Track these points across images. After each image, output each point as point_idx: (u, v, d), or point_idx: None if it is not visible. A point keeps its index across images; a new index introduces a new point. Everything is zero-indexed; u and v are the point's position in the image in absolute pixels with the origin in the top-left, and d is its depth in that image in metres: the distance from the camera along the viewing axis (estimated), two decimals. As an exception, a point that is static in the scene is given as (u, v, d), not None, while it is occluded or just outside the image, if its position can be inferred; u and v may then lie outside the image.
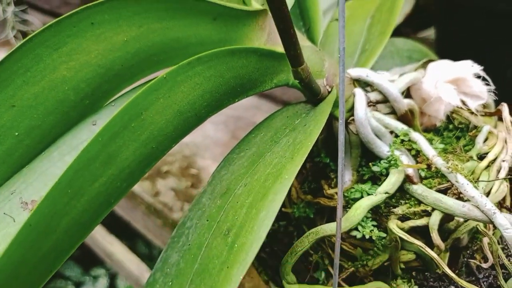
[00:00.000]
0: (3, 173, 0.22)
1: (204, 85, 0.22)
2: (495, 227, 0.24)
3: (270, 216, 0.19)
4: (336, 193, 0.29)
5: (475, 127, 0.32)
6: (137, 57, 0.22)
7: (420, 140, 0.26)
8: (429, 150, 0.26)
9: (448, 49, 0.65)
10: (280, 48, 0.26)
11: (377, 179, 0.28)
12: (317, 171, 0.31)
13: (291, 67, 0.22)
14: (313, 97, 0.26)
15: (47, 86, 0.21)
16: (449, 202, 0.24)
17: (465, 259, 0.28)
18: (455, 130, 0.33)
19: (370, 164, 0.27)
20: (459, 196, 0.26)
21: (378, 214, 0.27)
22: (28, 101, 0.21)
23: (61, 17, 0.20)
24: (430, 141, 0.31)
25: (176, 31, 0.23)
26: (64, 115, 0.22)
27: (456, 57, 0.64)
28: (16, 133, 0.21)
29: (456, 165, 0.25)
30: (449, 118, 0.33)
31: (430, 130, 0.33)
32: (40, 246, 0.17)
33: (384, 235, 0.25)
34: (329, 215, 0.30)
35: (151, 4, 0.21)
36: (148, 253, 1.02)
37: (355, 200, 0.27)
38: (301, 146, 0.22)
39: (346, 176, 0.29)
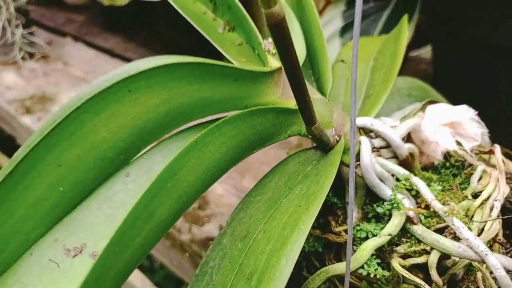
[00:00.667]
0: (48, 223, 0.24)
1: (228, 143, 0.25)
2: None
3: (290, 265, 0.22)
4: (344, 230, 0.31)
5: (470, 165, 0.35)
6: (166, 116, 0.25)
7: (420, 184, 0.29)
8: (428, 195, 0.28)
9: (445, 77, 0.68)
10: (292, 102, 0.29)
11: (380, 218, 0.31)
12: (325, 208, 0.34)
13: (305, 126, 0.25)
14: (323, 146, 0.28)
15: (88, 147, 0.23)
16: (446, 243, 0.27)
17: (462, 291, 0.31)
18: (452, 168, 0.35)
19: (374, 205, 0.30)
20: (455, 235, 0.29)
21: (382, 251, 0.29)
22: (72, 161, 0.23)
23: (103, 88, 0.22)
24: (429, 180, 0.33)
25: (201, 92, 0.25)
26: (102, 169, 0.25)
27: (452, 86, 0.67)
28: (61, 189, 0.24)
29: (453, 208, 0.28)
30: (446, 157, 0.36)
31: (429, 168, 0.36)
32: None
33: (387, 273, 0.28)
34: (336, 249, 0.33)
35: (181, 71, 0.24)
36: (149, 266, 1.05)
37: (361, 239, 0.29)
38: (314, 197, 0.24)
39: (350, 209, 0.32)
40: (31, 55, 1.12)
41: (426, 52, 1.06)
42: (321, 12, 0.64)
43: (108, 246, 0.19)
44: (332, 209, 0.33)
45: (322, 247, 0.33)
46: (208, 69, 0.25)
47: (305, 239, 0.22)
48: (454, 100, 0.65)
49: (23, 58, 1.07)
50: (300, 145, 0.80)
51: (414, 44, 0.94)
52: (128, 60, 1.14)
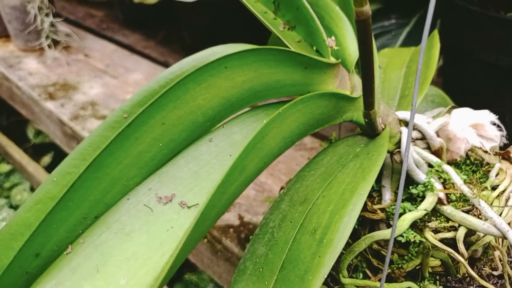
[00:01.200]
0: (145, 174, 0.28)
1: (301, 119, 0.29)
2: (503, 243, 0.31)
3: (352, 221, 0.26)
4: (379, 209, 0.36)
5: (488, 163, 0.40)
6: (248, 93, 0.30)
7: (450, 171, 0.33)
8: (457, 180, 0.33)
9: (453, 90, 0.73)
10: (347, 92, 0.34)
11: (412, 200, 0.35)
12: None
13: (364, 110, 0.30)
14: (372, 132, 0.33)
15: (187, 111, 0.28)
16: (473, 220, 0.32)
17: (479, 269, 0.36)
18: (472, 165, 0.40)
19: (410, 187, 0.35)
20: (478, 217, 0.33)
21: (415, 227, 0.34)
22: (173, 121, 0.28)
23: (206, 62, 0.27)
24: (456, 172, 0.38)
25: (278, 75, 0.30)
26: (192, 132, 0.29)
27: (459, 99, 0.72)
28: (160, 144, 0.28)
29: (478, 193, 0.33)
30: (467, 155, 0.41)
31: (452, 164, 0.41)
32: (202, 229, 0.24)
33: (424, 239, 0.32)
34: (371, 226, 0.37)
35: (266, 55, 0.29)
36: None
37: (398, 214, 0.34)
38: (369, 170, 0.29)
39: (386, 195, 0.37)
40: (56, 44, 1.16)
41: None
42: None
43: (216, 189, 0.23)
44: (369, 192, 0.38)
45: (357, 224, 0.37)
46: (287, 55, 0.29)
47: (364, 201, 0.27)
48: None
49: (48, 46, 1.10)
50: (315, 148, 0.84)
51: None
52: (147, 57, 1.19)
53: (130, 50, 1.23)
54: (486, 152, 0.40)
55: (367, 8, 0.23)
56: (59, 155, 1.48)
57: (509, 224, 0.37)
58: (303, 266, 0.26)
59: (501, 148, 0.41)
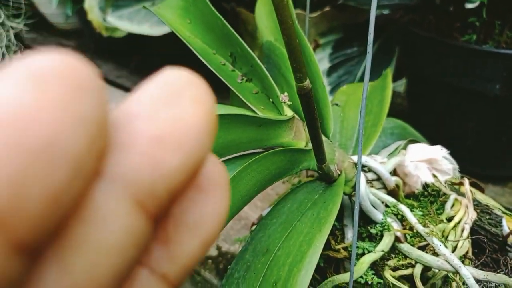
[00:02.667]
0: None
1: (257, 177, 0.31)
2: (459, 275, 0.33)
3: (309, 274, 0.28)
4: (342, 247, 0.38)
5: (444, 194, 0.42)
6: (206, 154, 0.31)
7: (405, 211, 0.35)
8: (412, 219, 0.35)
9: (417, 112, 0.76)
10: (303, 143, 0.35)
11: (373, 238, 0.37)
12: (325, 229, 0.40)
13: (316, 164, 0.31)
14: (329, 179, 0.35)
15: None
16: (428, 258, 0.33)
17: (439, 299, 0.37)
18: (430, 196, 0.43)
19: (368, 227, 0.36)
20: (434, 252, 0.35)
21: (376, 265, 0.36)
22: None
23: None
24: (412, 207, 0.40)
25: (233, 135, 0.31)
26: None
27: (424, 121, 0.75)
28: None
29: (432, 230, 0.35)
30: (425, 187, 0.43)
31: (411, 196, 0.43)
32: None
33: (381, 281, 0.34)
34: (336, 264, 0.39)
35: (221, 120, 0.30)
36: None
37: (358, 254, 0.35)
38: (325, 221, 0.30)
39: (348, 234, 0.38)
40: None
41: (401, 85, 1.16)
42: (311, 54, 0.72)
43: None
44: (331, 230, 0.40)
45: (323, 262, 0.39)
46: (241, 118, 0.31)
47: (319, 254, 0.29)
48: (427, 131, 0.73)
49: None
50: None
51: (392, 76, 1.03)
52: (120, 86, 1.19)
53: (103, 81, 1.23)
54: (441, 183, 0.42)
55: (307, 84, 0.25)
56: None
57: (466, 253, 0.39)
58: (265, 322, 0.28)
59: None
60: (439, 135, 0.74)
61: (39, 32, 1.60)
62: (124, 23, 0.90)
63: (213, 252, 0.69)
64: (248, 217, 0.75)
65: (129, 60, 1.32)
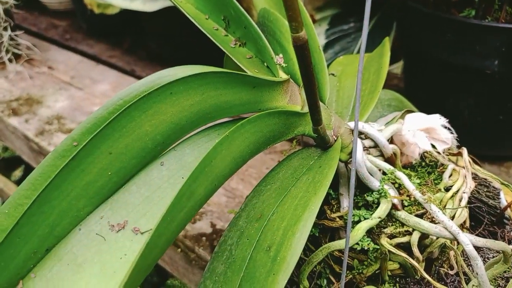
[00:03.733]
0: (96, 203, 0.28)
1: (250, 138, 0.29)
2: (458, 243, 0.32)
3: (304, 237, 0.27)
4: (338, 216, 0.37)
5: (442, 164, 0.41)
6: (197, 115, 0.30)
7: (403, 177, 0.34)
8: (409, 186, 0.34)
9: (413, 92, 0.75)
10: (298, 107, 0.34)
11: (369, 206, 0.36)
12: (320, 199, 0.39)
13: (312, 126, 0.30)
14: (324, 144, 0.34)
15: (135, 138, 0.28)
16: (426, 225, 0.33)
17: (436, 268, 0.37)
18: (427, 167, 0.42)
19: (365, 195, 0.36)
20: (432, 220, 0.35)
21: (372, 233, 0.35)
22: (120, 149, 0.27)
23: (150, 91, 0.27)
24: (409, 176, 0.39)
25: (226, 96, 0.30)
26: (142, 158, 0.29)
27: (420, 100, 0.74)
28: (109, 173, 0.28)
29: (430, 197, 0.34)
30: (422, 157, 0.42)
31: (408, 167, 0.42)
32: (151, 258, 0.24)
33: (377, 246, 0.33)
34: (331, 234, 0.38)
35: (212, 78, 0.29)
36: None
37: (354, 222, 0.34)
38: (320, 184, 0.29)
39: (344, 203, 0.37)
40: (17, 57, 1.13)
41: (398, 67, 1.15)
42: (307, 29, 0.70)
43: (163, 217, 0.23)
44: (327, 200, 0.39)
45: (318, 232, 0.38)
46: (233, 77, 0.30)
47: (315, 217, 0.28)
48: (423, 111, 0.72)
49: (9, 60, 1.08)
50: (286, 151, 0.85)
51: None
52: (113, 66, 1.17)
53: (95, 60, 1.21)
54: (440, 153, 0.41)
55: (303, 34, 0.23)
56: (31, 168, 1.45)
57: (464, 223, 0.38)
58: (258, 285, 0.27)
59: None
60: (436, 113, 0.73)
61: (30, 11, 1.56)
62: (116, -2, 0.88)
63: (208, 229, 0.68)
64: (242, 195, 0.75)
65: (122, 40, 1.30)
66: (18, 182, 1.42)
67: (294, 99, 0.34)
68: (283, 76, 0.34)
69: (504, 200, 0.43)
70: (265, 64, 0.36)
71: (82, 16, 1.31)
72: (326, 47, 0.72)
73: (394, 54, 0.93)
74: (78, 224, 0.28)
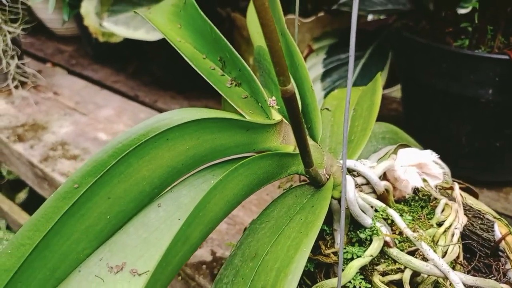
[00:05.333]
0: (95, 245, 0.29)
1: (244, 181, 0.31)
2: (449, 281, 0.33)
3: (295, 279, 0.27)
4: (332, 252, 0.37)
5: (435, 198, 0.42)
6: (193, 158, 0.31)
7: (394, 215, 0.35)
8: (401, 223, 0.35)
9: (412, 116, 0.76)
10: (291, 147, 0.35)
11: (362, 243, 0.37)
12: (315, 234, 0.40)
13: (304, 168, 0.31)
14: (316, 183, 0.35)
15: (133, 183, 0.29)
16: (417, 263, 0.33)
17: (429, 304, 0.37)
18: (420, 201, 0.42)
19: (357, 231, 0.36)
20: (424, 257, 0.35)
21: (365, 270, 0.35)
22: (119, 194, 0.29)
23: (148, 138, 0.28)
24: (402, 212, 0.40)
25: (221, 140, 0.31)
26: (140, 201, 0.30)
27: (419, 124, 0.75)
28: (108, 217, 0.29)
29: (421, 234, 0.34)
30: (415, 191, 0.43)
31: (401, 201, 0.42)
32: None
33: (369, 285, 0.34)
34: (326, 269, 0.39)
35: (207, 123, 0.30)
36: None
37: (347, 259, 0.35)
38: (312, 225, 0.30)
39: (338, 238, 0.38)
40: (23, 84, 1.15)
41: (397, 90, 1.16)
42: (305, 59, 0.72)
43: (158, 263, 0.24)
44: (321, 235, 0.39)
45: (314, 267, 0.39)
46: (228, 122, 0.31)
47: (306, 259, 0.28)
48: (422, 137, 0.73)
49: (15, 87, 1.10)
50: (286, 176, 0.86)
51: (386, 83, 1.03)
52: (117, 91, 1.19)
53: (100, 85, 1.24)
54: (432, 188, 0.42)
55: (291, 87, 0.25)
56: (34, 192, 1.47)
57: (457, 258, 0.39)
58: (251, 327, 0.28)
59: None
60: (434, 140, 0.74)
61: (37, 37, 1.60)
62: (120, 28, 0.90)
63: (208, 257, 0.69)
64: (243, 222, 0.75)
65: (126, 65, 1.33)
66: (22, 205, 1.43)
67: (287, 139, 0.35)
68: (276, 117, 0.35)
69: (498, 232, 0.44)
70: (260, 104, 0.37)
71: (88, 42, 1.35)
72: (324, 76, 0.73)
73: (393, 77, 0.94)
74: (77, 266, 0.29)
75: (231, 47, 0.37)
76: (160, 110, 1.09)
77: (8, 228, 1.41)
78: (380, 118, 0.49)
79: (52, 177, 0.88)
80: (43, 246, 0.27)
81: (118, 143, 0.30)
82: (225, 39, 0.37)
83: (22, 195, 1.51)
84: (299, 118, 0.26)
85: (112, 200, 0.29)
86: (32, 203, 1.49)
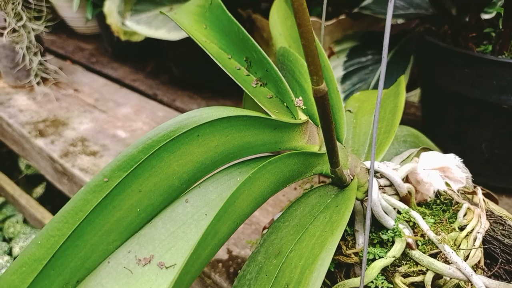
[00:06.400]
0: (124, 237, 0.30)
1: (271, 179, 0.31)
2: (472, 284, 0.33)
3: (321, 276, 0.28)
4: (353, 253, 0.38)
5: (457, 202, 0.42)
6: (221, 155, 0.32)
7: (417, 217, 0.35)
8: (424, 225, 0.35)
9: (431, 121, 0.76)
10: (316, 147, 0.36)
11: (384, 244, 0.37)
12: (336, 234, 0.40)
13: (330, 167, 0.32)
14: (341, 183, 0.35)
15: (163, 177, 0.30)
16: (439, 265, 0.33)
17: (450, 308, 0.37)
18: (442, 204, 0.42)
19: (380, 233, 0.37)
20: (446, 260, 0.35)
21: (386, 271, 0.36)
22: (149, 187, 0.29)
23: (180, 133, 0.29)
24: (424, 215, 0.40)
25: (248, 137, 0.32)
26: (169, 195, 0.31)
27: (438, 130, 0.75)
28: (138, 209, 0.30)
29: (444, 237, 0.35)
30: (437, 195, 0.43)
31: (423, 204, 0.42)
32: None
33: (391, 286, 0.34)
34: (346, 269, 0.39)
35: (236, 121, 0.31)
36: None
37: (369, 260, 0.35)
38: (337, 224, 0.31)
39: (360, 239, 0.38)
40: (44, 81, 1.18)
41: (415, 95, 1.15)
42: (325, 61, 0.72)
43: (190, 256, 0.25)
44: (342, 235, 0.40)
45: (334, 267, 0.39)
46: (256, 120, 0.31)
47: (332, 257, 0.29)
48: (441, 142, 0.73)
49: (37, 83, 1.12)
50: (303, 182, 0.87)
51: (407, 84, 1.03)
52: (135, 90, 1.21)
53: (119, 83, 1.26)
54: (454, 192, 0.42)
55: (324, 86, 0.25)
56: (52, 186, 1.49)
57: (478, 263, 0.39)
58: (275, 322, 0.28)
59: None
60: (454, 146, 0.73)
61: (58, 34, 1.63)
62: (142, 27, 0.92)
63: (224, 255, 0.69)
64: (259, 222, 0.76)
65: (145, 63, 1.34)
66: (39, 199, 1.46)
67: (313, 139, 0.35)
68: (302, 117, 0.35)
69: (519, 238, 0.44)
70: (285, 104, 0.38)
71: (109, 41, 1.37)
72: (344, 78, 0.73)
73: (411, 81, 0.94)
74: (107, 257, 0.30)
75: (259, 47, 0.37)
76: (178, 109, 1.10)
77: (25, 222, 1.44)
78: (399, 122, 0.49)
79: (71, 172, 0.89)
80: (76, 235, 0.28)
81: (148, 139, 0.31)
82: (252, 39, 0.38)
83: (39, 190, 1.53)
84: (329, 118, 0.26)
85: (142, 194, 0.29)
86: (49, 198, 1.52)
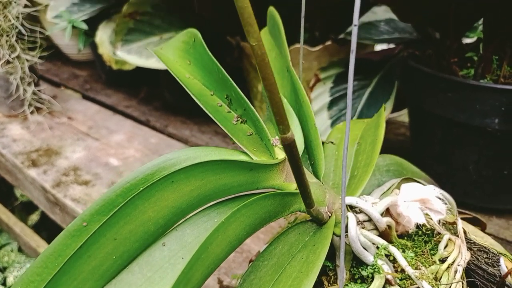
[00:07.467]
0: (100, 284, 0.30)
1: (246, 221, 0.31)
2: (452, 321, 0.33)
3: (295, 321, 0.28)
4: (335, 289, 0.38)
5: (439, 233, 0.42)
6: (197, 198, 0.32)
7: (396, 253, 0.36)
8: (402, 261, 0.35)
9: (420, 142, 0.77)
10: (294, 185, 0.36)
11: (365, 279, 0.37)
12: (319, 269, 0.40)
13: (305, 208, 0.32)
14: (318, 221, 0.35)
15: (138, 224, 0.30)
16: (418, 302, 0.33)
17: None
18: (424, 236, 0.43)
19: (359, 268, 0.37)
20: (426, 295, 0.35)
21: (367, 308, 0.36)
22: (125, 234, 0.30)
23: (153, 181, 0.29)
24: (405, 247, 0.40)
25: (224, 180, 0.32)
26: (145, 241, 0.31)
27: (426, 150, 0.75)
28: (114, 257, 0.30)
29: (423, 273, 0.35)
30: (419, 226, 0.43)
31: (405, 236, 0.43)
32: None
33: (372, 325, 0.34)
34: (329, 305, 0.39)
35: (212, 165, 0.31)
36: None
37: (350, 297, 0.36)
38: (313, 265, 0.31)
39: (341, 275, 0.38)
40: (38, 110, 1.19)
41: (404, 114, 1.16)
42: (311, 88, 0.73)
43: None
44: (324, 271, 0.40)
45: (317, 304, 0.39)
46: (231, 163, 0.32)
47: (306, 299, 0.29)
48: (430, 164, 0.73)
49: (31, 112, 1.13)
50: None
51: (394, 107, 1.04)
52: (129, 116, 1.22)
53: (112, 110, 1.27)
54: (435, 223, 0.42)
55: (290, 134, 0.26)
56: (46, 214, 1.49)
57: (460, 295, 0.39)
58: None
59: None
60: (441, 167, 0.74)
61: (53, 62, 1.65)
62: (133, 57, 0.93)
63: (215, 286, 0.69)
64: (250, 250, 0.76)
65: (138, 91, 1.36)
66: (35, 227, 1.46)
67: (290, 177, 0.36)
68: (279, 155, 0.36)
69: (504, 267, 0.44)
70: (264, 142, 0.38)
71: (102, 68, 1.38)
72: (331, 104, 0.74)
73: (401, 100, 0.95)
74: (84, 305, 0.30)
75: (237, 87, 0.38)
76: (171, 135, 1.11)
77: (20, 250, 1.43)
78: (387, 143, 0.50)
79: (63, 202, 0.89)
80: (54, 284, 0.28)
81: (126, 183, 0.31)
82: (230, 79, 0.39)
83: (34, 217, 1.53)
84: (298, 163, 0.27)
85: (118, 241, 0.30)
86: (45, 225, 1.51)
